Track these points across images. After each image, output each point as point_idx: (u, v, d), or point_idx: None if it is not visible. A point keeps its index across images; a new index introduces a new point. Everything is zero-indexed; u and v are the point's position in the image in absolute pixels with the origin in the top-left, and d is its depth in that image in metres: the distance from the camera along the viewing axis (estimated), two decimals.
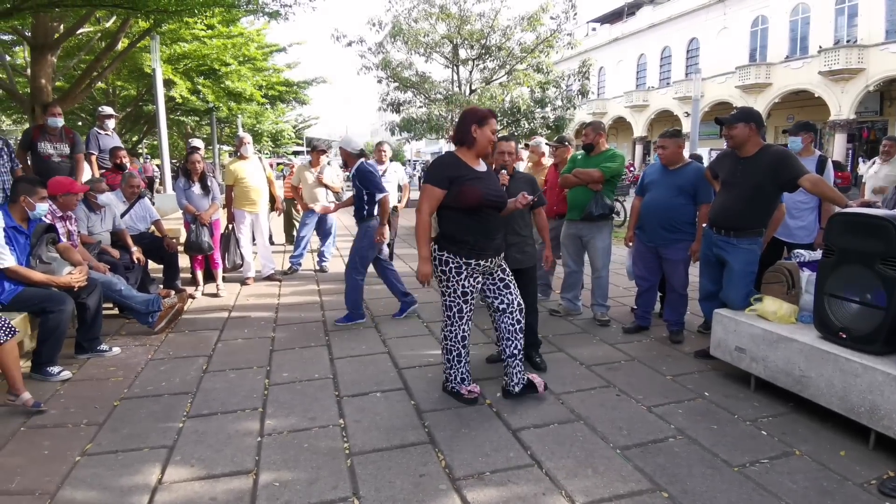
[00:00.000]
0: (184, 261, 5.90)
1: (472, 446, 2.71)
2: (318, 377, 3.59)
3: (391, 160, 6.63)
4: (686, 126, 24.00)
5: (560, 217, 5.08)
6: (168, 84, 13.89)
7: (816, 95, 22.74)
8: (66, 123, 5.84)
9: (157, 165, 18.12)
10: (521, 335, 3.23)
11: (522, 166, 6.02)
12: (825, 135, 23.21)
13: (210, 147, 22.34)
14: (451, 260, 2.99)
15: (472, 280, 3.05)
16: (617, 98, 34.80)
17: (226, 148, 28.46)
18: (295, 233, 7.55)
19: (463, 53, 15.06)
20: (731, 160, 3.69)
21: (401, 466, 2.53)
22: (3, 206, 3.69)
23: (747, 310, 3.52)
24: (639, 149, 33.46)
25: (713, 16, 27.86)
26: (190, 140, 9.15)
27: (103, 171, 6.48)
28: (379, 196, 4.62)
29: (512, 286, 3.21)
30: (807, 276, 3.38)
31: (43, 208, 3.71)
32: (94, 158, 6.37)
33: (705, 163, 5.90)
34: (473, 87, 15.22)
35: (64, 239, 4.13)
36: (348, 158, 4.76)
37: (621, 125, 35.48)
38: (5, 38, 12.13)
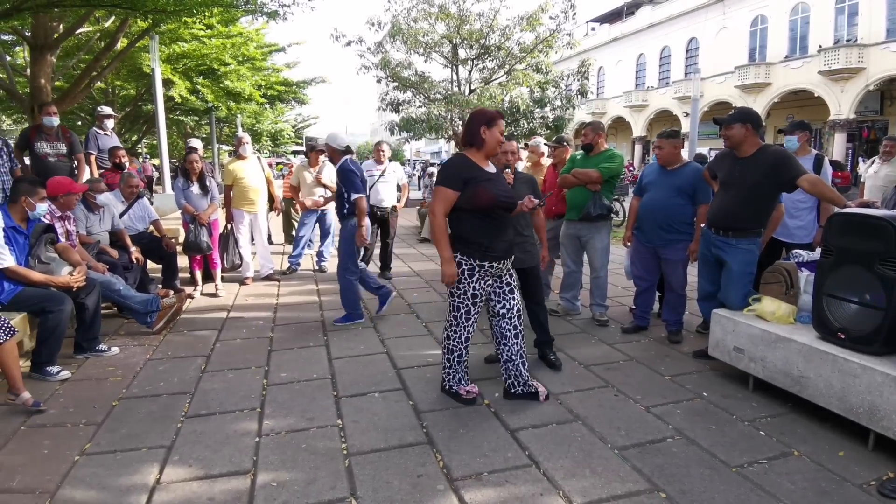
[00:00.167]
0: (182, 261, 5.90)
1: (470, 447, 2.71)
2: (317, 377, 3.59)
3: (390, 160, 6.63)
4: (685, 126, 23.98)
5: (559, 217, 5.08)
6: (167, 84, 13.88)
7: (816, 95, 22.75)
8: (66, 123, 5.85)
9: (155, 165, 18.13)
10: (519, 340, 3.23)
11: (521, 166, 6.01)
12: (825, 134, 23.23)
13: (209, 147, 22.35)
14: (463, 262, 2.98)
15: (482, 283, 3.04)
16: (616, 98, 34.82)
17: (225, 147, 28.46)
18: (294, 232, 7.55)
19: (462, 53, 15.05)
20: (729, 160, 3.69)
21: (399, 467, 2.53)
22: (2, 207, 3.69)
23: (746, 310, 3.52)
24: (638, 149, 33.47)
25: (712, 15, 27.87)
26: (188, 140, 9.15)
27: (102, 170, 6.49)
28: (353, 196, 4.53)
29: (516, 291, 3.22)
30: (805, 277, 3.38)
31: (43, 208, 3.71)
32: (92, 158, 6.37)
33: None
34: (473, 87, 15.22)
35: (63, 239, 4.13)
36: (334, 154, 4.76)
37: (620, 125, 35.50)
38: (5, 38, 12.13)
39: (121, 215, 5.26)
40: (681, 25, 29.76)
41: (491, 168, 3.09)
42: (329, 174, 6.77)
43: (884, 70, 20.28)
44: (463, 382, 3.22)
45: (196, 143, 7.92)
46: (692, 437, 2.82)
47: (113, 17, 10.01)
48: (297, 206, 7.49)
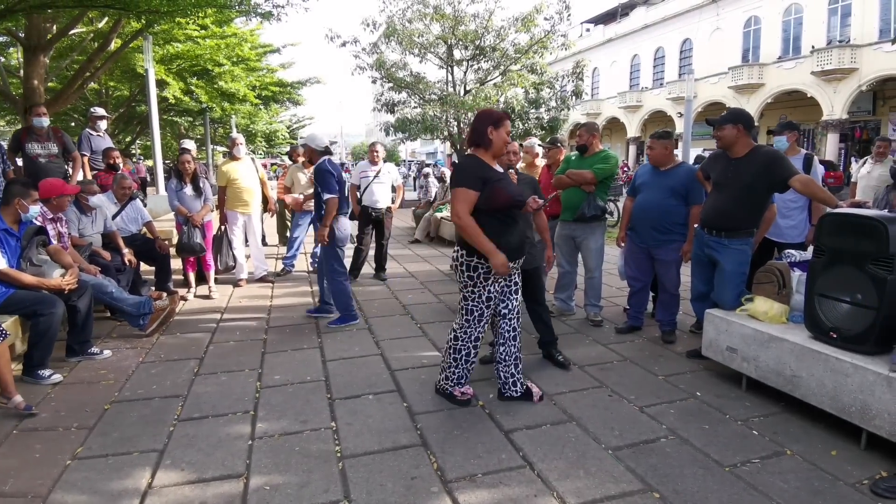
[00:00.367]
0: (176, 263, 5.87)
1: (464, 448, 2.71)
2: (311, 380, 3.58)
3: (385, 161, 6.62)
4: (679, 126, 24.05)
5: (554, 218, 5.08)
6: (161, 84, 13.82)
7: (809, 95, 22.85)
8: (60, 124, 5.83)
9: (148, 167, 18.06)
10: (516, 342, 3.24)
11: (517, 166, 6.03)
12: (818, 135, 23.33)
13: (203, 148, 22.27)
14: (480, 265, 2.95)
15: (497, 285, 3.04)
16: (611, 99, 34.89)
17: (219, 149, 28.36)
18: (288, 234, 7.53)
19: (457, 54, 15.06)
20: (722, 161, 3.70)
21: (392, 469, 2.53)
22: None
23: (738, 310, 3.53)
24: (632, 149, 33.55)
25: (706, 16, 27.96)
26: (182, 141, 9.12)
27: (96, 172, 6.46)
28: (325, 196, 4.50)
29: (518, 292, 3.24)
30: (797, 276, 3.40)
31: (35, 210, 3.69)
32: (85, 160, 6.34)
33: None
34: (468, 88, 15.23)
35: (54, 241, 4.10)
36: (312, 155, 4.75)
37: (615, 126, 35.58)
38: None
39: (113, 217, 5.24)
40: (675, 26, 29.85)
41: (499, 168, 3.10)
42: None
43: (876, 70, 20.38)
44: (463, 382, 3.22)
45: (189, 144, 7.90)
46: (686, 436, 2.82)
47: (106, 18, 9.97)
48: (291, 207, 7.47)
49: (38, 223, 3.96)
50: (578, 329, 4.65)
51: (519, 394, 3.22)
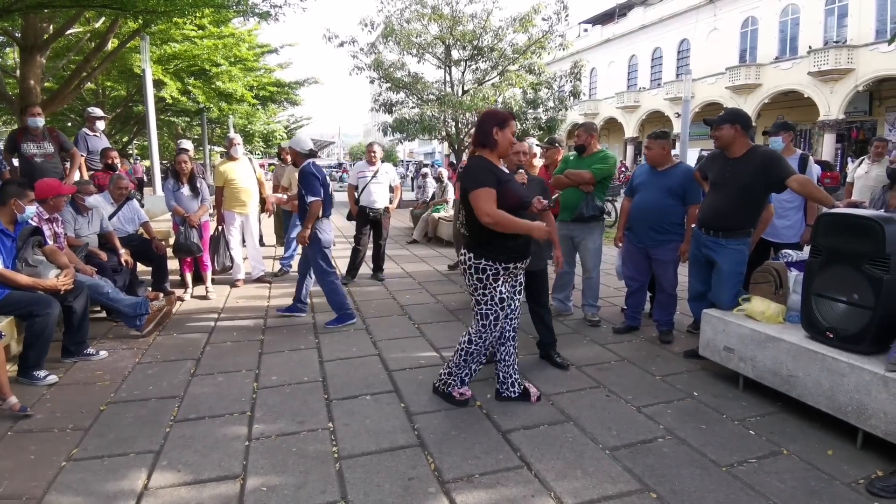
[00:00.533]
0: (172, 263, 5.86)
1: (461, 449, 2.70)
2: (308, 380, 3.57)
3: (383, 161, 6.61)
4: (677, 127, 24.09)
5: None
6: (158, 84, 13.77)
7: (806, 96, 22.90)
8: (56, 125, 5.81)
9: (146, 167, 18.00)
10: (515, 342, 3.25)
11: None
12: (814, 135, 23.39)
13: (201, 148, 22.21)
14: (488, 267, 2.94)
15: (507, 286, 3.03)
16: (608, 99, 34.91)
17: (217, 149, 28.28)
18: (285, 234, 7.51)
19: (455, 54, 15.04)
20: (720, 161, 3.71)
21: (390, 470, 2.52)
22: None
23: (735, 310, 3.54)
24: (630, 149, 33.58)
25: (703, 17, 28.00)
26: (179, 141, 9.09)
27: (93, 172, 6.44)
28: (309, 199, 4.52)
29: (521, 293, 3.25)
30: (794, 276, 3.40)
31: (31, 211, 3.68)
32: (82, 160, 6.31)
33: None
34: (466, 88, 15.22)
35: (50, 241, 4.09)
36: (296, 158, 4.75)
37: (613, 126, 35.61)
38: None
39: (110, 217, 5.22)
40: (672, 27, 29.89)
41: (505, 168, 3.09)
42: None
43: (873, 71, 20.43)
44: (466, 382, 3.22)
45: (186, 144, 7.87)
46: (683, 436, 2.82)
47: (103, 18, 9.93)
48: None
49: (34, 223, 3.95)
50: (576, 329, 4.65)
51: (517, 394, 3.23)
